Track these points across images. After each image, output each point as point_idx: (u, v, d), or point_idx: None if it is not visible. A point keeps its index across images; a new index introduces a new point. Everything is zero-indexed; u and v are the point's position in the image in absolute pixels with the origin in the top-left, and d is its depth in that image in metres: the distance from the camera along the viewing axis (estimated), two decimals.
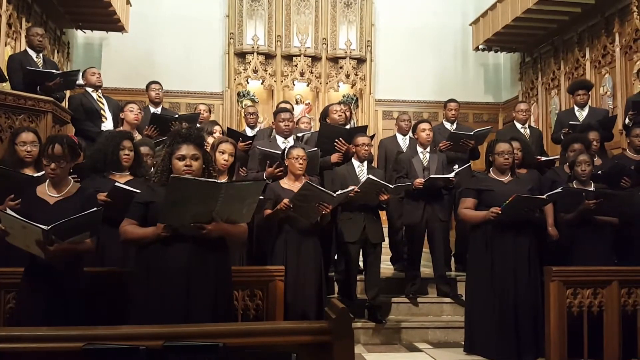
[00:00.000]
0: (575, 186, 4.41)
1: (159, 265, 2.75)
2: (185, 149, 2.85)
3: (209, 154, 3.08)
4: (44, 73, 5.29)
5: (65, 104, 5.89)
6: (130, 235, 2.85)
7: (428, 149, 5.27)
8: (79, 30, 9.41)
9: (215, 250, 2.83)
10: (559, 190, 4.37)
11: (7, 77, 5.26)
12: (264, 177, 4.57)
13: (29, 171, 3.71)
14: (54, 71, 5.43)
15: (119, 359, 1.92)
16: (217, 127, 5.44)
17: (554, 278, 3.88)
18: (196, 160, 2.85)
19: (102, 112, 5.72)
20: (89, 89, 5.79)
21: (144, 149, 4.05)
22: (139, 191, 3.21)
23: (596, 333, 3.88)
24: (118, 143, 3.72)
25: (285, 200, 3.97)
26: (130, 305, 2.82)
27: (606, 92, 7.88)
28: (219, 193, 2.66)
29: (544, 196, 4.30)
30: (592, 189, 4.35)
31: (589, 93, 6.31)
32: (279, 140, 5.00)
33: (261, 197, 3.99)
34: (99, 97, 5.80)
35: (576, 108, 6.11)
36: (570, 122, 5.73)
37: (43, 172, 3.29)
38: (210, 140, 4.30)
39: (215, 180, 2.75)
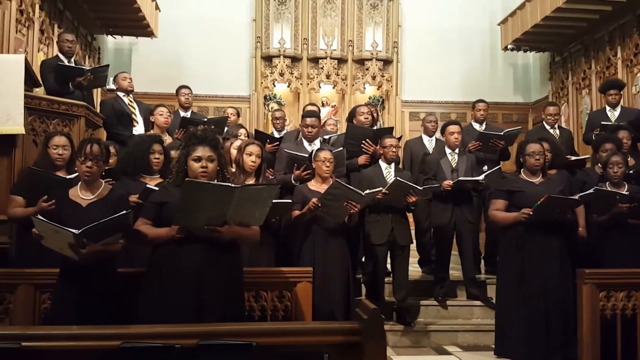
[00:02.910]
0: (607, 187, 4.33)
1: (171, 265, 2.80)
2: (201, 151, 2.88)
3: (224, 156, 3.11)
4: (74, 69, 5.42)
5: (97, 108, 6.00)
6: (145, 235, 2.90)
7: (457, 150, 5.24)
8: (109, 36, 9.58)
9: (228, 252, 2.88)
10: (591, 191, 4.29)
11: (40, 82, 5.39)
12: (292, 180, 4.60)
13: (60, 174, 3.78)
14: (84, 67, 5.55)
15: (154, 357, 1.95)
16: (242, 130, 5.49)
17: (587, 280, 3.80)
18: (212, 162, 2.89)
19: (133, 116, 5.82)
20: (121, 94, 5.89)
21: (173, 153, 4.10)
22: None
23: (630, 337, 3.80)
24: (148, 147, 3.79)
25: (314, 200, 3.99)
26: (141, 305, 2.86)
27: (639, 92, 7.71)
28: (233, 197, 2.70)
29: (576, 197, 4.23)
30: (625, 190, 4.27)
31: (621, 92, 6.18)
32: (306, 142, 5.03)
33: (289, 201, 4.03)
34: (130, 101, 5.91)
35: (608, 108, 5.99)
36: (602, 122, 5.62)
37: (75, 175, 3.36)
38: (236, 143, 4.34)
39: (229, 185, 2.79)
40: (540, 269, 4.09)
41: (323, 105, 9.72)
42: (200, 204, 2.71)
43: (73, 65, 5.62)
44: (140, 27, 8.97)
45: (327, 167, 4.21)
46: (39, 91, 5.37)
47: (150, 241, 2.91)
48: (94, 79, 5.41)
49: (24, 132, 4.05)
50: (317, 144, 4.99)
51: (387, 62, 10.13)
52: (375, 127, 5.71)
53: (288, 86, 10.05)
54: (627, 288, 3.84)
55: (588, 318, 3.78)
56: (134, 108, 5.86)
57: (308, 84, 10.03)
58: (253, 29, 10.10)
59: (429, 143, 5.90)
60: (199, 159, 2.88)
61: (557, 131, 5.98)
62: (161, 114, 5.36)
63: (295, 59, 10.02)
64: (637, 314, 3.82)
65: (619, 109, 5.95)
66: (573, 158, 5.40)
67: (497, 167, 5.28)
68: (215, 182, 2.86)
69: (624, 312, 3.82)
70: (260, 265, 3.77)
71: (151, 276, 2.87)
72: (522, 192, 4.19)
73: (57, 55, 5.83)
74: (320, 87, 10.09)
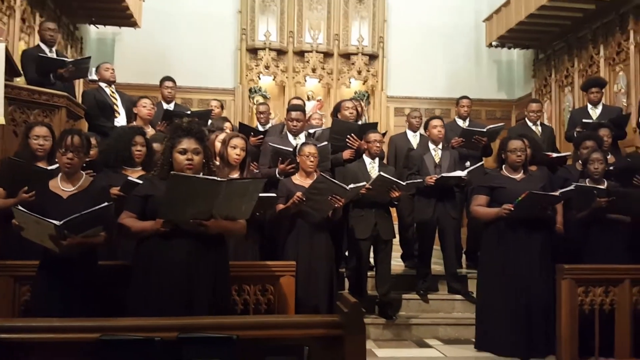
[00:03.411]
0: (587, 184, 4.39)
1: (158, 259, 2.78)
2: (187, 143, 2.85)
3: (209, 148, 3.08)
4: (55, 60, 5.35)
5: (78, 98, 5.93)
6: (129, 228, 2.88)
7: (440, 146, 5.26)
8: (92, 26, 9.45)
9: (214, 246, 2.86)
10: (571, 187, 4.35)
11: (21, 72, 5.31)
12: (276, 173, 4.59)
13: (41, 165, 3.74)
14: (66, 58, 5.48)
15: (134, 349, 1.94)
16: (227, 124, 5.46)
17: (566, 276, 3.87)
18: (197, 155, 2.86)
19: (115, 107, 5.76)
20: (103, 85, 5.83)
21: (156, 145, 4.08)
22: None
23: (607, 331, 3.86)
24: (130, 139, 3.76)
25: (299, 194, 4.00)
26: (128, 299, 2.84)
27: (620, 90, 7.80)
28: (219, 191, 2.69)
29: (557, 193, 4.28)
30: (604, 187, 4.33)
31: (603, 90, 6.25)
32: (291, 136, 5.02)
33: (274, 195, 4.03)
34: (112, 92, 5.84)
35: (590, 106, 6.05)
36: (583, 120, 5.69)
37: (56, 166, 3.32)
38: (221, 136, 4.32)
39: (216, 178, 2.77)
40: (520, 265, 4.13)
41: (308, 99, 9.71)
42: (186, 198, 2.69)
43: (55, 56, 5.54)
44: (123, 17, 8.87)
45: (312, 161, 4.21)
46: (20, 81, 5.30)
47: (134, 234, 2.89)
48: (75, 70, 5.35)
49: (4, 123, 4.00)
50: (302, 138, 4.99)
51: (372, 57, 10.14)
52: (360, 122, 5.71)
53: (273, 79, 10.01)
54: (605, 284, 3.91)
55: (567, 313, 3.84)
56: (116, 99, 5.80)
57: (294, 78, 10.00)
58: (238, 20, 10.05)
59: (414, 138, 5.92)
60: (184, 152, 2.85)
61: (540, 128, 6.04)
62: (144, 106, 5.31)
63: (280, 52, 9.99)
64: (614, 309, 3.89)
65: (600, 107, 6.01)
66: (554, 155, 5.45)
67: (480, 163, 5.32)
68: (202, 175, 2.84)
69: (602, 307, 3.89)
70: (245, 259, 3.77)
71: (138, 270, 2.85)
72: (503, 188, 4.23)
73: (38, 45, 5.73)
74: (305, 81, 10.07)
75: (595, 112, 5.95)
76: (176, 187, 2.68)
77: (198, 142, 2.89)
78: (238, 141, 3.92)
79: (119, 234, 2.95)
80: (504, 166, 4.38)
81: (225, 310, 2.88)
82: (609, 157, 4.78)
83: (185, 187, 2.68)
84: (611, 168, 4.65)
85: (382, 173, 4.52)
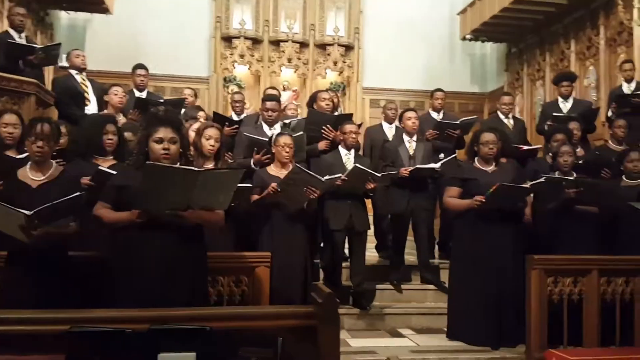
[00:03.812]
0: (557, 176, 4.46)
1: (135, 250, 2.74)
2: (163, 132, 2.80)
3: (186, 138, 3.04)
4: (24, 46, 5.23)
5: (48, 86, 5.80)
6: (105, 218, 2.83)
7: (414, 138, 5.30)
8: (62, 12, 9.25)
9: (192, 237, 2.83)
10: (541, 179, 4.42)
11: None
12: (251, 164, 4.56)
13: (10, 154, 3.66)
14: (35, 45, 5.36)
15: (104, 341, 1.92)
16: (201, 113, 5.41)
17: (536, 266, 3.93)
18: (174, 144, 2.81)
19: (85, 95, 5.66)
20: (73, 72, 5.72)
21: (127, 134, 4.02)
22: None
23: (576, 321, 3.95)
24: (101, 127, 3.70)
25: (274, 185, 3.98)
26: (105, 290, 2.80)
27: (590, 84, 7.95)
28: (196, 181, 2.64)
29: (527, 185, 4.35)
30: (573, 178, 4.41)
31: (574, 84, 6.36)
32: (266, 127, 5.00)
33: (249, 185, 4.00)
34: (83, 79, 5.74)
35: (560, 99, 6.15)
36: (554, 114, 5.78)
37: (26, 155, 3.26)
38: (195, 125, 4.27)
39: (192, 168, 2.73)
40: (491, 255, 4.19)
41: (284, 89, 9.66)
42: (162, 188, 2.64)
43: (24, 42, 5.41)
44: (95, 3, 8.70)
45: (287, 152, 4.20)
46: None
47: (110, 225, 2.83)
48: (45, 57, 5.23)
49: None
50: (277, 128, 4.97)
51: (348, 48, 10.13)
52: (336, 114, 5.71)
53: (248, 68, 9.93)
54: (573, 274, 3.99)
55: (536, 302, 3.91)
56: (87, 87, 5.70)
57: (269, 67, 9.93)
58: (213, 8, 9.92)
59: (389, 130, 5.94)
60: (160, 141, 2.79)
61: (512, 121, 6.11)
62: (116, 94, 5.23)
63: (256, 41, 9.90)
64: (583, 299, 3.97)
65: (571, 101, 6.12)
66: (525, 148, 5.54)
67: (453, 155, 5.37)
68: (178, 165, 2.80)
69: (571, 297, 3.96)
70: (218, 250, 3.74)
71: (114, 262, 2.80)
72: (475, 180, 4.28)
73: (7, 31, 5.60)
74: (281, 71, 10.01)
75: (565, 106, 6.05)
76: (152, 177, 2.64)
77: (175, 131, 2.83)
78: (212, 132, 3.88)
79: (94, 225, 2.89)
80: (476, 158, 4.43)
81: (203, 301, 2.85)
82: (578, 150, 4.88)
83: (161, 177, 2.63)
84: (580, 162, 4.74)
85: (357, 165, 4.53)
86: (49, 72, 7.63)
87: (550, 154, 4.81)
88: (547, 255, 4.07)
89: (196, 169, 2.73)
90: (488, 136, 4.37)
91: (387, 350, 4.19)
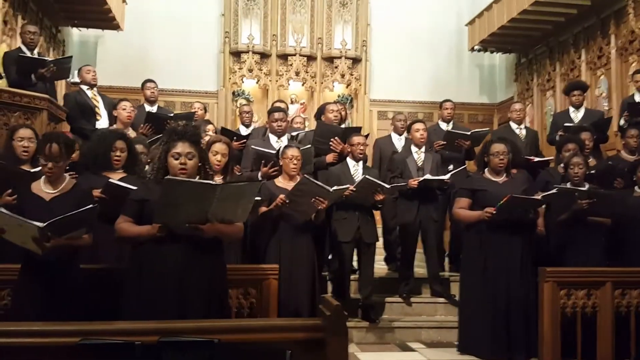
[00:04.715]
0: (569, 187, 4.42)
1: (153, 264, 2.76)
2: (181, 147, 2.83)
3: (206, 151, 3.07)
4: (36, 60, 5.29)
5: (60, 101, 5.87)
6: (125, 232, 2.85)
7: (423, 149, 5.29)
8: (74, 28, 9.37)
9: (210, 250, 2.84)
10: (553, 191, 4.38)
11: (2, 75, 5.25)
12: (259, 177, 4.57)
13: (25, 167, 3.71)
14: (46, 58, 5.41)
15: (114, 354, 1.92)
16: (209, 126, 5.43)
17: (548, 279, 3.88)
18: (191, 159, 2.83)
19: (96, 109, 5.71)
20: (84, 87, 5.78)
21: (138, 147, 4.04)
22: (133, 187, 3.21)
23: (589, 334, 3.89)
24: (110, 144, 3.70)
25: (282, 196, 3.98)
26: (123, 304, 2.82)
27: (601, 94, 7.90)
28: (214, 194, 2.67)
29: (539, 197, 4.32)
30: (585, 189, 4.37)
31: (585, 94, 6.32)
32: (273, 139, 5.02)
33: (257, 198, 4.00)
34: (94, 95, 5.80)
35: (572, 109, 6.12)
36: (565, 124, 5.74)
37: (40, 168, 3.29)
38: (206, 139, 4.29)
39: (210, 182, 2.75)
40: (502, 268, 4.16)
41: (292, 102, 9.70)
42: (180, 202, 2.67)
43: (33, 57, 5.47)
44: (106, 20, 8.81)
45: (295, 164, 4.20)
46: (1, 83, 5.23)
47: (131, 239, 2.86)
48: (57, 70, 5.28)
49: None
50: (284, 140, 4.98)
51: (356, 60, 10.16)
52: (343, 126, 5.72)
53: (257, 82, 9.99)
54: (587, 286, 3.93)
55: (549, 316, 3.86)
56: (98, 102, 5.75)
57: (277, 81, 9.99)
58: (222, 24, 10.02)
59: (398, 142, 5.93)
60: (178, 156, 2.82)
61: (524, 131, 6.09)
62: (124, 109, 5.26)
63: (264, 55, 9.97)
64: (596, 312, 3.92)
65: (582, 111, 6.08)
66: (536, 159, 5.50)
67: (463, 166, 5.35)
68: (197, 179, 2.82)
69: (584, 310, 3.91)
70: (227, 262, 3.73)
71: (133, 275, 2.82)
72: (485, 191, 4.26)
73: (19, 47, 5.67)
74: (289, 84, 10.06)
75: (577, 116, 6.01)
76: (170, 192, 2.67)
77: (192, 146, 2.86)
78: (219, 147, 3.89)
79: (117, 239, 2.92)
80: (486, 169, 4.40)
81: (222, 313, 2.84)
82: (590, 160, 4.83)
83: (179, 192, 2.67)
84: (592, 172, 4.70)
85: (367, 176, 4.52)
86: (60, 88, 7.72)
87: (562, 165, 4.78)
88: (560, 268, 4.03)
89: (213, 182, 2.76)
90: (498, 147, 4.35)
91: None
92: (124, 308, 2.80)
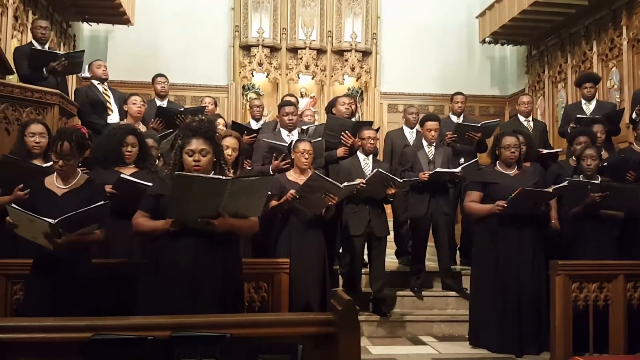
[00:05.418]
0: (581, 179, 4.39)
1: (166, 259, 2.78)
2: (195, 144, 2.85)
3: (221, 147, 3.07)
4: (48, 53, 5.30)
5: (71, 96, 5.90)
6: (141, 227, 2.90)
7: (434, 143, 5.26)
8: (84, 23, 9.40)
9: (224, 245, 2.85)
10: (565, 183, 4.35)
11: (14, 70, 5.27)
12: (270, 170, 4.58)
13: (37, 162, 3.73)
14: (58, 52, 5.43)
15: (126, 349, 1.93)
16: (220, 120, 5.43)
17: (560, 272, 3.87)
18: (205, 156, 2.85)
19: (108, 104, 5.74)
20: (95, 82, 5.80)
21: (148, 142, 4.05)
22: (144, 183, 3.23)
23: (601, 327, 3.87)
24: (121, 139, 3.71)
25: (292, 191, 3.98)
26: (138, 299, 2.85)
27: (613, 86, 7.82)
28: (225, 189, 2.68)
29: (550, 189, 4.29)
30: (597, 182, 4.33)
31: (597, 86, 6.26)
32: (284, 133, 5.02)
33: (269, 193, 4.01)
34: (105, 89, 5.82)
35: (583, 101, 6.06)
36: (577, 116, 5.69)
37: (51, 163, 3.31)
38: None
39: (220, 177, 2.77)
40: (513, 261, 4.14)
41: (302, 96, 9.69)
42: (191, 197, 2.69)
43: (45, 50, 5.49)
44: (116, 15, 8.82)
45: (306, 158, 4.20)
46: (12, 78, 5.26)
47: (146, 233, 2.91)
48: (68, 64, 5.28)
49: None
50: (295, 134, 4.98)
51: (366, 53, 10.12)
52: (354, 119, 5.70)
53: (267, 76, 9.98)
54: (599, 279, 3.92)
55: (560, 309, 3.85)
56: (109, 96, 5.77)
57: (287, 74, 9.97)
58: (231, 17, 10.00)
59: (410, 135, 5.89)
60: (192, 153, 2.84)
61: (531, 123, 6.05)
62: (134, 103, 5.28)
63: (274, 49, 9.95)
64: (608, 305, 3.90)
65: (594, 103, 6.02)
66: (545, 151, 5.46)
67: (474, 159, 5.32)
68: (212, 174, 2.83)
69: (596, 303, 3.89)
70: None
71: (149, 269, 2.85)
72: (497, 184, 4.24)
73: (30, 42, 5.70)
74: (299, 78, 10.04)
75: (589, 108, 5.96)
76: (180, 187, 2.70)
77: (206, 142, 2.87)
78: (230, 141, 3.89)
79: (134, 233, 2.98)
80: (497, 162, 4.38)
81: (234, 310, 2.85)
82: (602, 152, 4.79)
83: (189, 187, 2.69)
84: (605, 164, 4.66)
85: (379, 169, 4.51)
86: (72, 83, 7.76)
87: (574, 157, 4.74)
88: (572, 261, 4.01)
89: (223, 177, 2.77)
90: (510, 140, 4.32)
91: (408, 358, 4.17)
92: (139, 302, 2.83)
